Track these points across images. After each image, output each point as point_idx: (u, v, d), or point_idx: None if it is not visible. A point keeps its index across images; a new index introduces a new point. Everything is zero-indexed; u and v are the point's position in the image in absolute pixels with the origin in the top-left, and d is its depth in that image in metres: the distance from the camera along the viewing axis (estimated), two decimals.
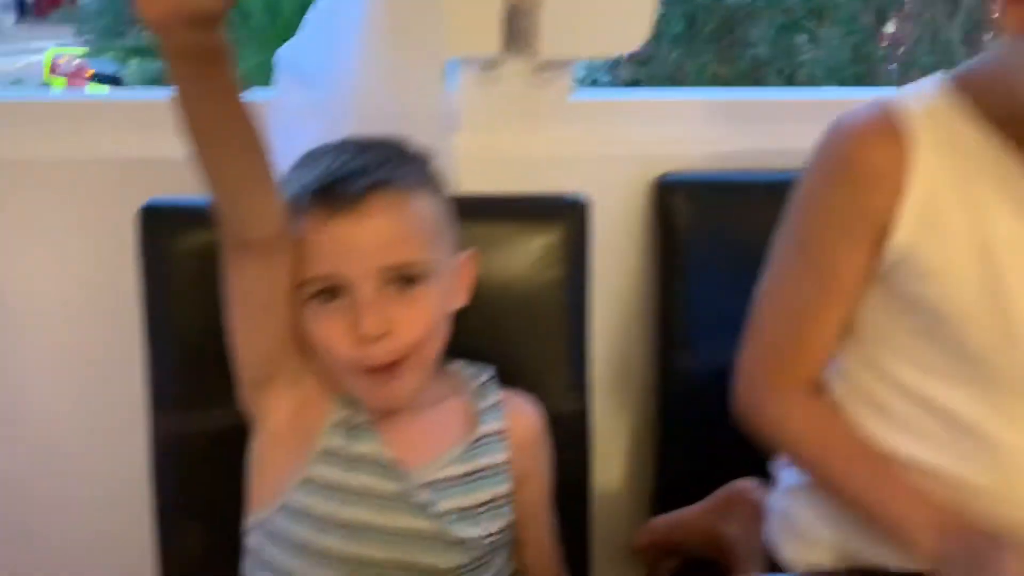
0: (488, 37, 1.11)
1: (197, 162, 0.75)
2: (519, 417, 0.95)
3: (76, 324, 1.14)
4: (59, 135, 1.11)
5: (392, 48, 1.03)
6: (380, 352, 0.83)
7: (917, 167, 0.78)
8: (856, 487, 0.84)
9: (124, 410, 1.08)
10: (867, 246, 0.81)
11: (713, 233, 1.16)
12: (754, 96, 1.31)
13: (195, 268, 0.96)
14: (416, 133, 0.94)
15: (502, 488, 0.91)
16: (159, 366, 0.98)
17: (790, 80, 5.33)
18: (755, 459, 1.10)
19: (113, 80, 5.46)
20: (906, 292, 0.82)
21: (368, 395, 0.87)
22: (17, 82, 5.94)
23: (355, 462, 0.87)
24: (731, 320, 1.09)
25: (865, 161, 0.80)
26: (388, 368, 0.84)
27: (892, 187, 0.79)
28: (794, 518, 0.94)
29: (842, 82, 5.03)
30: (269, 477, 0.89)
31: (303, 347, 0.87)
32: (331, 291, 0.83)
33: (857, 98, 0.85)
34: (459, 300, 0.91)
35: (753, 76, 5.49)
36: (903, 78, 4.63)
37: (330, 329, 0.83)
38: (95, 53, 5.37)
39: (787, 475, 0.97)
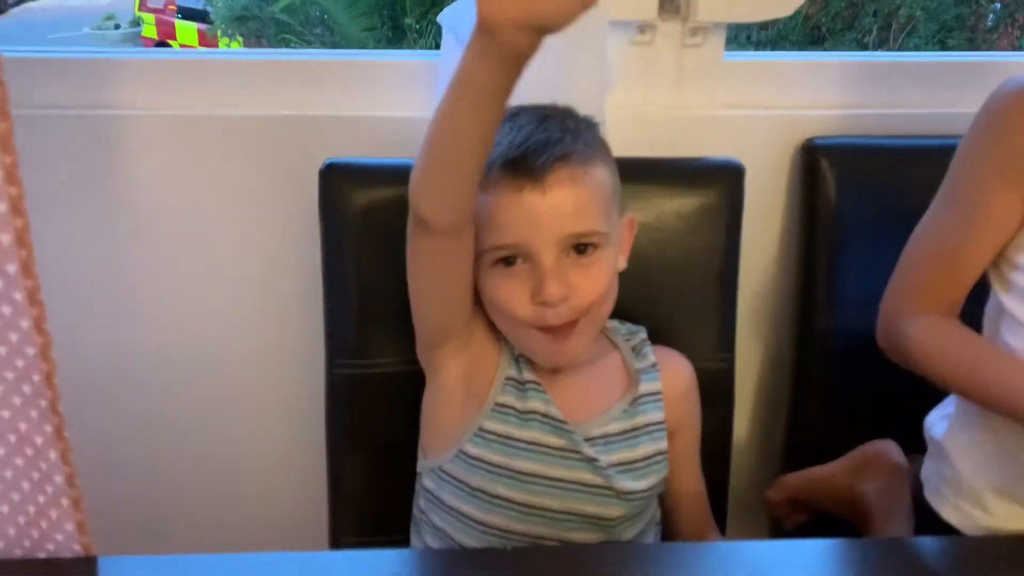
0: (645, 2, 1.12)
1: (442, 150, 0.77)
2: (673, 375, 1.00)
3: (264, 270, 1.22)
4: (241, 91, 1.17)
5: None
6: (559, 314, 0.88)
7: None
8: (976, 369, 0.88)
9: (304, 350, 1.15)
10: (1021, 190, 0.86)
11: (859, 198, 1.18)
12: (907, 58, 1.30)
13: (371, 223, 1.02)
14: (576, 94, 0.97)
15: (661, 444, 0.96)
16: (335, 316, 1.05)
17: (887, 21, 5.17)
18: (888, 423, 1.13)
19: (200, 15, 5.56)
20: None
21: (541, 352, 0.92)
22: (110, 17, 6.06)
23: (526, 417, 0.92)
24: (873, 284, 1.11)
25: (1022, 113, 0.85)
26: (564, 328, 0.89)
27: None
28: (950, 477, 0.97)
29: (943, 24, 4.86)
30: (444, 427, 0.95)
31: (475, 309, 0.92)
32: (513, 256, 0.88)
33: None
34: (623, 263, 0.95)
35: (847, 17, 5.32)
36: (1007, 18, 4.42)
37: (512, 291, 0.88)
38: None
39: (938, 429, 1.00)
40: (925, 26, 5.00)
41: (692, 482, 1.03)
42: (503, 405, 0.93)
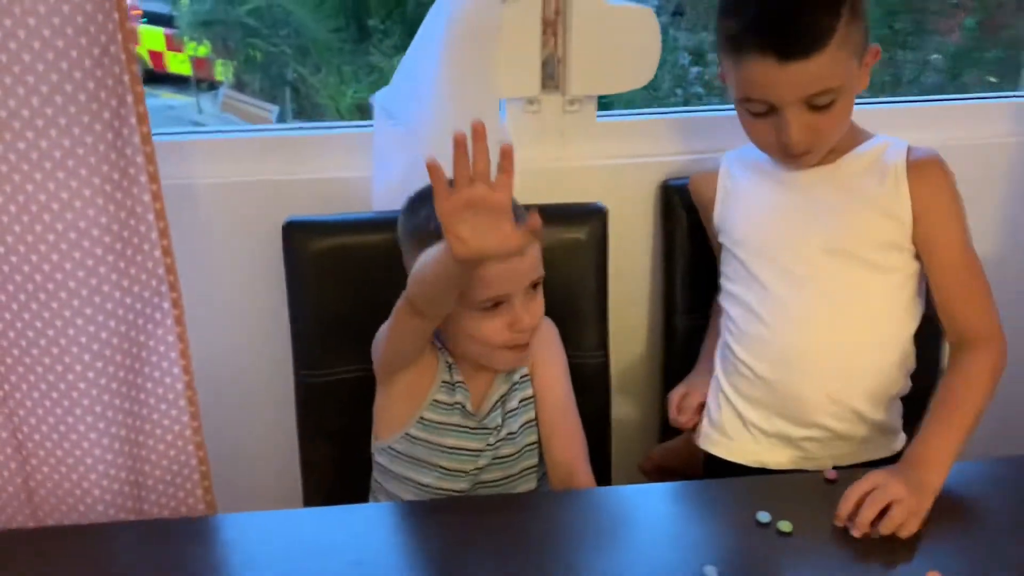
0: (530, 81, 1.45)
1: (432, 291, 1.09)
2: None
3: (240, 306, 1.52)
4: (217, 163, 1.47)
5: (460, 92, 1.37)
6: (526, 335, 1.22)
7: (720, 187, 1.36)
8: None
9: (277, 366, 1.46)
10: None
11: (702, 226, 1.50)
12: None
13: (324, 265, 1.33)
14: None
15: (527, 391, 1.30)
16: (299, 338, 1.36)
17: None
18: None
19: (165, 19, 5.59)
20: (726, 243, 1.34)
21: (506, 362, 1.26)
22: None
23: (452, 407, 1.27)
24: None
25: (698, 188, 1.41)
26: (525, 345, 1.23)
27: (710, 198, 1.37)
28: (712, 422, 1.34)
29: (889, 9, 4.98)
30: (394, 417, 1.28)
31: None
32: (498, 302, 1.18)
33: None
34: None
35: None
36: None
37: (493, 325, 1.19)
38: None
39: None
40: (872, 11, 5.17)
41: (559, 413, 1.32)
42: (438, 400, 1.27)
